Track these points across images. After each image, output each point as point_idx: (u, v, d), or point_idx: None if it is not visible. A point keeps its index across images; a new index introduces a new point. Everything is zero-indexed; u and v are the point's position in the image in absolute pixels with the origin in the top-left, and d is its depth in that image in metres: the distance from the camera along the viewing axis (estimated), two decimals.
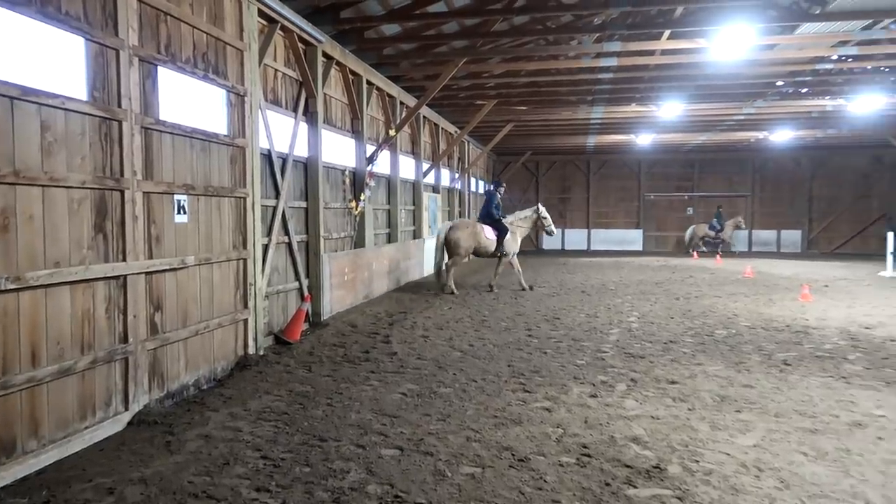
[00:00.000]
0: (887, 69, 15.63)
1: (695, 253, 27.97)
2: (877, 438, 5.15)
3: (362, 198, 12.53)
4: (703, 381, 6.87)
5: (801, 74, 15.45)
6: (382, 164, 14.47)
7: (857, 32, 12.05)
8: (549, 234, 14.96)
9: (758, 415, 5.75)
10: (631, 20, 13.64)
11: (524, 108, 19.36)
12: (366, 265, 12.78)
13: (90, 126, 5.29)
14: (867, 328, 9.99)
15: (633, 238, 31.40)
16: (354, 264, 12.13)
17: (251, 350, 7.88)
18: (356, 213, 12.47)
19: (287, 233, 9.53)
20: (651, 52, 13.45)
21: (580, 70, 14.94)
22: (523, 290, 14.58)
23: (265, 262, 8.63)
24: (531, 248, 32.21)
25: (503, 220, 14.56)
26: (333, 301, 11.00)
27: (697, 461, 4.70)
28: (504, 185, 15.59)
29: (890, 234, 19.41)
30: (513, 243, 14.60)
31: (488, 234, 14.38)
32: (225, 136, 7.39)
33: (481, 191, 28.57)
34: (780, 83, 16.73)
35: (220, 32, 7.24)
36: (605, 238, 31.83)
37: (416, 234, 17.58)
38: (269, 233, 8.87)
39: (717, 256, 26.02)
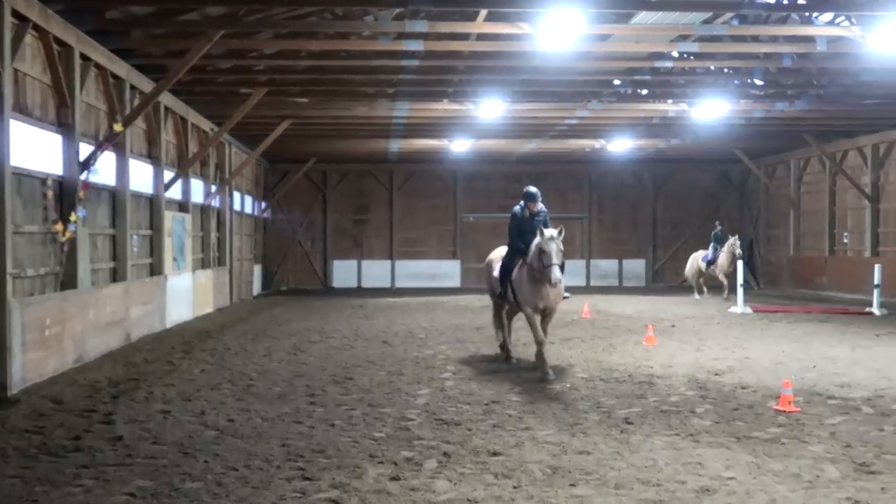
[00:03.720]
0: (730, 70, 17.91)
1: (698, 293, 26.01)
2: None
3: (73, 218, 12.01)
4: (532, 451, 7.23)
5: (640, 72, 17.18)
6: (105, 172, 13.81)
7: (698, 27, 13.71)
8: (551, 283, 10.97)
9: (595, 487, 6.16)
10: None
11: (305, 100, 19.47)
12: (79, 314, 12.14)
13: None
14: (717, 374, 11.20)
15: (448, 271, 32.52)
16: (61, 313, 11.49)
17: None
18: (64, 239, 11.91)
19: None
20: (465, 36, 14.21)
21: (378, 54, 15.36)
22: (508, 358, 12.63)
23: None
24: (317, 284, 32.18)
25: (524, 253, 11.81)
26: (27, 367, 10.31)
27: None
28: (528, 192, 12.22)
29: (740, 264, 21.96)
30: (523, 287, 11.62)
31: (497, 269, 12.64)
32: None
33: (248, 209, 28.09)
34: (616, 82, 18.47)
35: None
36: (413, 271, 32.60)
37: (156, 270, 16.94)
38: None
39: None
